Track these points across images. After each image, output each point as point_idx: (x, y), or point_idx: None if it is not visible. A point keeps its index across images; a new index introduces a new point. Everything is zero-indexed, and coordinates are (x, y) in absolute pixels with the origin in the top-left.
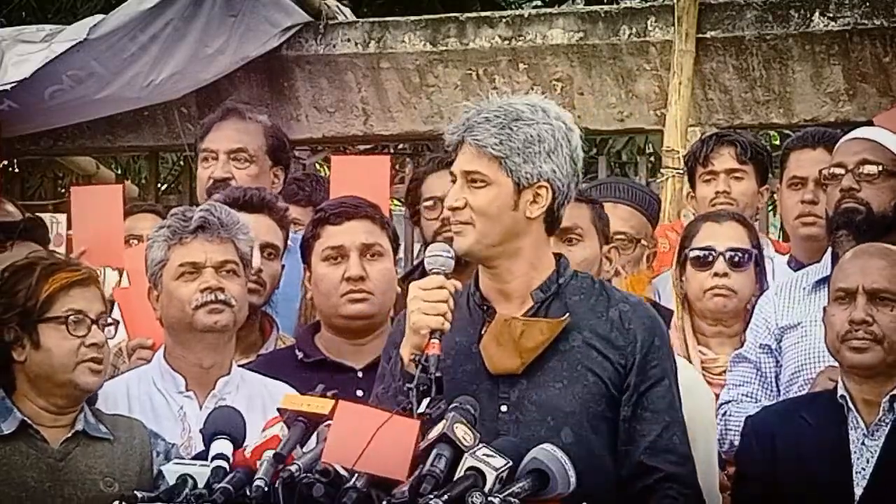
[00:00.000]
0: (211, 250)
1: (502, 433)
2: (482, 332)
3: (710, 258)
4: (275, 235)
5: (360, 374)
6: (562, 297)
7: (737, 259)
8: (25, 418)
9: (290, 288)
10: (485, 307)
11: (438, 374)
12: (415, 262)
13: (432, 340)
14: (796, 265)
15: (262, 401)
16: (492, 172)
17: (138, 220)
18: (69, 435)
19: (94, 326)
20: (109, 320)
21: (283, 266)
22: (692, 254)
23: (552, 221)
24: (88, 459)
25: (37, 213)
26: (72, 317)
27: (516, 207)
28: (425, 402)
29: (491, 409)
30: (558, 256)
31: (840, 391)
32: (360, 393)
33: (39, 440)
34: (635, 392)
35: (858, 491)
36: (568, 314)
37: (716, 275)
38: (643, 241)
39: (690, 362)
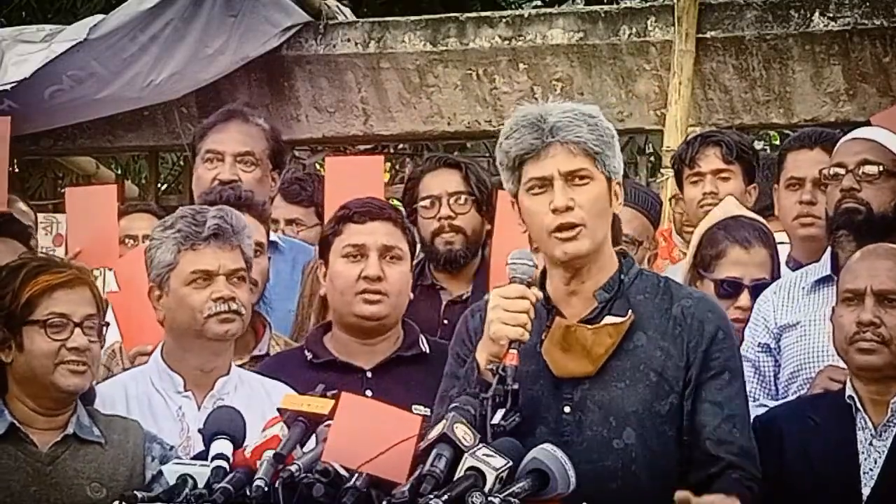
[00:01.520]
0: (223, 258)
1: (565, 434)
2: (544, 333)
3: (737, 289)
4: (258, 232)
5: (368, 375)
6: (625, 296)
7: (760, 288)
8: (15, 421)
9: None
10: (548, 307)
11: (516, 387)
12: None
13: (511, 351)
14: (795, 265)
15: (260, 401)
16: (592, 168)
17: (134, 219)
18: (58, 438)
19: (78, 329)
20: (97, 322)
21: (269, 258)
22: (718, 281)
23: (613, 220)
24: (77, 463)
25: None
26: (51, 320)
27: (611, 203)
28: (500, 413)
29: (554, 410)
30: (623, 255)
31: (848, 392)
32: (369, 393)
33: (29, 443)
34: (696, 384)
35: (866, 491)
36: (631, 312)
37: (738, 307)
38: (644, 244)
39: None
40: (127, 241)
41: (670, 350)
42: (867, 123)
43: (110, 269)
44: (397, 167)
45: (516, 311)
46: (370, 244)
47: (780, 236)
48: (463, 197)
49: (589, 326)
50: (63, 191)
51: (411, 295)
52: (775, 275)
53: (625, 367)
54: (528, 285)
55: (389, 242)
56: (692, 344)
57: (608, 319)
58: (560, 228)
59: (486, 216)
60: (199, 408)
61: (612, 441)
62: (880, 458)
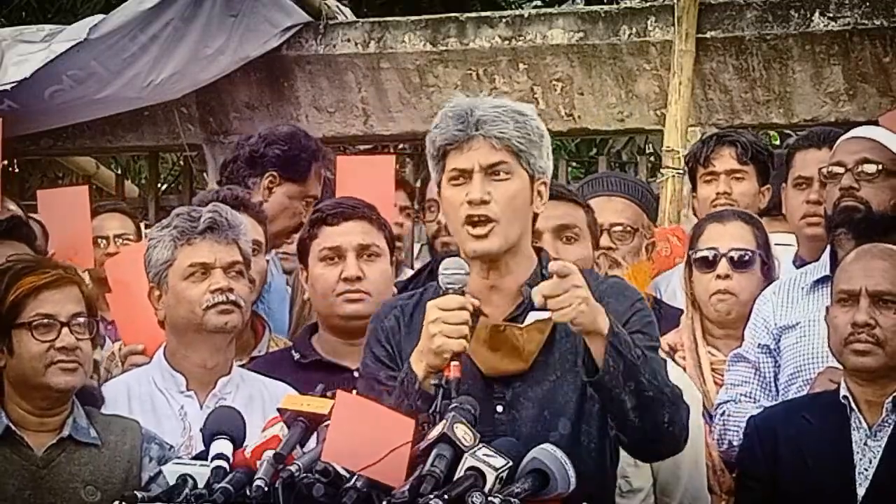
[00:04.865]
0: (219, 251)
1: (499, 433)
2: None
3: (714, 259)
4: (255, 231)
5: (356, 375)
6: None
7: (740, 259)
8: (10, 424)
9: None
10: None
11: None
12: (413, 263)
13: (452, 363)
14: (801, 264)
15: (262, 400)
16: (514, 164)
17: (105, 219)
18: (54, 441)
19: (66, 329)
20: (86, 320)
21: (267, 261)
22: (696, 255)
23: (535, 219)
24: (72, 466)
25: (35, 213)
26: (37, 321)
27: (532, 202)
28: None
29: (486, 411)
30: (538, 251)
31: (843, 392)
32: (355, 393)
33: (24, 446)
34: None
35: (861, 492)
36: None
37: (718, 277)
38: (640, 230)
39: (699, 363)
40: (99, 241)
41: None
42: (867, 123)
43: (83, 271)
44: (397, 167)
45: (457, 324)
46: (346, 245)
47: (785, 237)
48: None
49: (518, 326)
50: None
51: (395, 290)
52: (766, 252)
53: (553, 359)
54: (462, 293)
55: (365, 241)
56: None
57: (535, 315)
58: (472, 222)
59: None
60: (201, 407)
61: (548, 435)
62: (875, 458)
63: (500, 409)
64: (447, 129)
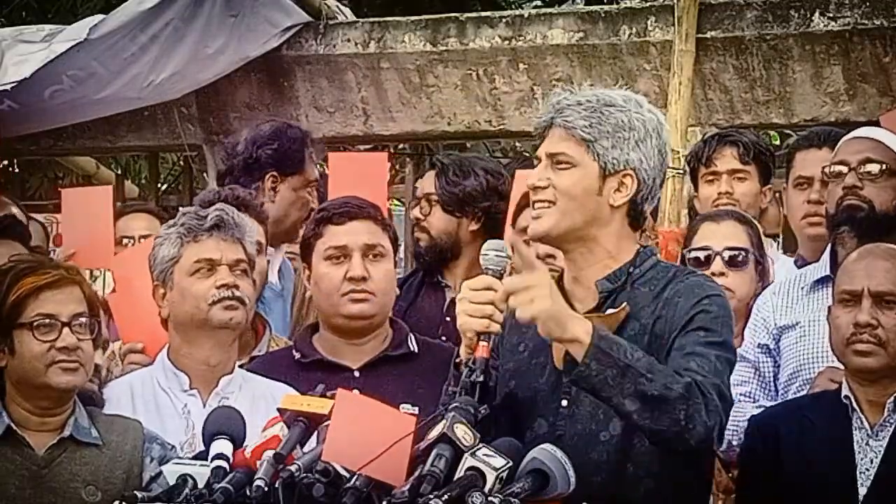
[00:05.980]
0: (225, 248)
1: (559, 428)
2: None
3: (708, 258)
4: (256, 232)
5: (356, 374)
6: (629, 289)
7: (734, 258)
8: (11, 423)
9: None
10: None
11: (480, 379)
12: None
13: (480, 343)
14: (802, 264)
15: (265, 401)
16: (578, 155)
17: (131, 220)
18: (55, 441)
19: (66, 329)
20: (87, 320)
21: (268, 261)
22: (691, 254)
23: (636, 215)
24: (73, 466)
25: (35, 213)
26: (38, 321)
27: (601, 193)
28: None
29: (553, 404)
30: (643, 247)
31: (844, 391)
32: (356, 392)
33: (25, 446)
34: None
35: (862, 491)
36: (625, 304)
37: (713, 275)
38: (646, 230)
39: None
40: (125, 241)
41: (658, 334)
42: (867, 123)
43: (108, 270)
44: (397, 167)
45: (481, 303)
46: (352, 244)
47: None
48: (428, 199)
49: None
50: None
51: (397, 290)
52: (760, 252)
53: None
54: (500, 276)
55: (371, 241)
56: (677, 320)
57: (611, 311)
58: (532, 205)
59: (467, 216)
60: (204, 405)
61: (599, 434)
62: (876, 457)
63: (564, 402)
64: (541, 114)
